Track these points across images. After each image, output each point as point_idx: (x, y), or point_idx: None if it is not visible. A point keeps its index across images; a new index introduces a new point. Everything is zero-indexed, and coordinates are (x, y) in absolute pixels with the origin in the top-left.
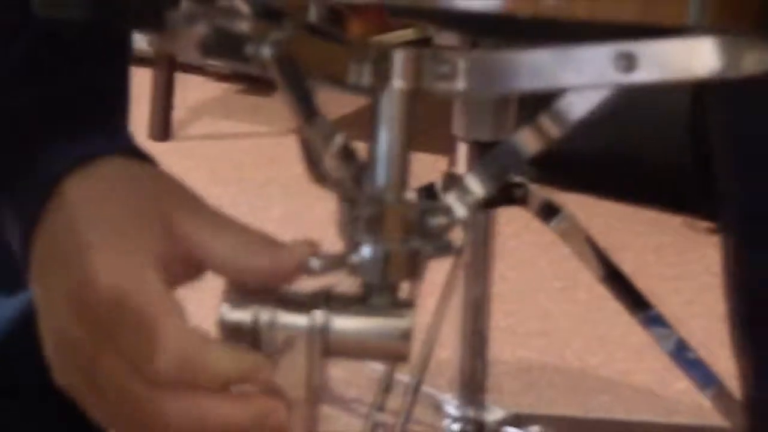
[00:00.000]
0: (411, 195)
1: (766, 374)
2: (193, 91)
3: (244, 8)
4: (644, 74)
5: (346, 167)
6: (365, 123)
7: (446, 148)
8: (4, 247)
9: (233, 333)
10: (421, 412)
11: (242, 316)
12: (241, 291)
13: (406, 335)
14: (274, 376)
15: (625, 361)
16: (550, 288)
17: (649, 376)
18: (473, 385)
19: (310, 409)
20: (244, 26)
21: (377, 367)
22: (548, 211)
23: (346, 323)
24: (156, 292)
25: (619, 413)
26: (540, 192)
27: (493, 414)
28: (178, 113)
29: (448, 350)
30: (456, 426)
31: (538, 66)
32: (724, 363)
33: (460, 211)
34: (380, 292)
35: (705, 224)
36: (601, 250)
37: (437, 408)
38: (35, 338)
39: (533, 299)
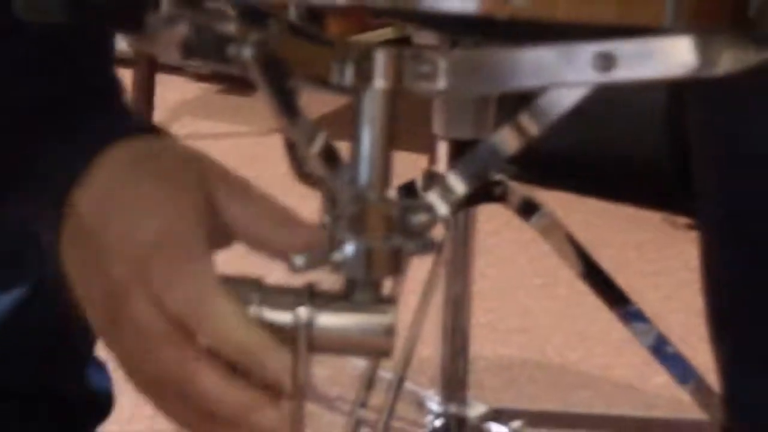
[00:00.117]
0: (393, 193)
1: (742, 368)
2: (173, 91)
3: (226, 9)
4: (623, 73)
5: (329, 166)
6: (346, 122)
7: (427, 146)
8: None
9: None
10: (404, 408)
11: None
12: (229, 282)
13: (389, 331)
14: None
15: (605, 357)
16: (530, 285)
17: (629, 370)
18: (455, 381)
19: (296, 404)
20: (225, 27)
21: (359, 365)
22: (528, 209)
23: (330, 320)
24: (194, 239)
25: (600, 408)
26: (519, 189)
27: (475, 410)
28: (158, 113)
29: (430, 347)
30: (438, 422)
31: (518, 65)
32: (703, 357)
33: (442, 208)
34: (363, 289)
35: (684, 220)
36: (581, 247)
37: (420, 404)
38: (28, 335)
39: (513, 296)
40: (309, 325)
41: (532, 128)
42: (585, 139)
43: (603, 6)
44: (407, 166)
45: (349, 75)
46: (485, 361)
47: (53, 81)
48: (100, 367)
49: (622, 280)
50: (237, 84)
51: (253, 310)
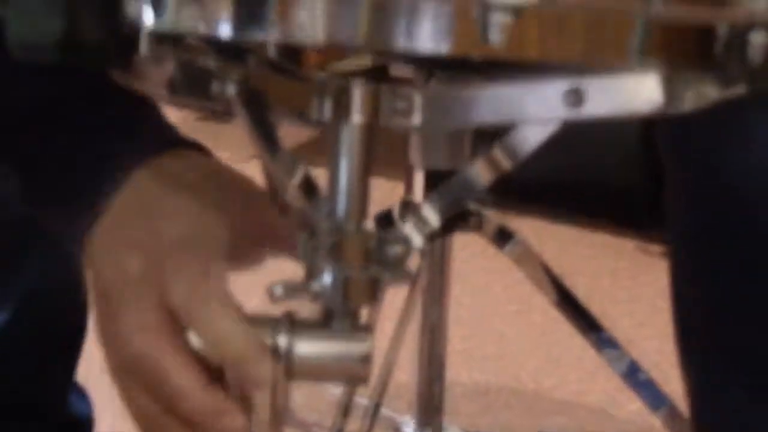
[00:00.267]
0: (370, 224)
1: (711, 395)
2: None
3: (207, 47)
4: (592, 109)
5: (308, 198)
6: (321, 150)
7: (402, 172)
8: None
9: (200, 357)
10: None
11: None
12: None
13: (365, 359)
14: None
15: (579, 383)
16: (506, 312)
17: (603, 397)
18: (431, 407)
19: (275, 430)
20: (209, 64)
21: (336, 391)
22: (502, 237)
23: (308, 347)
24: (211, 248)
25: None
26: (494, 218)
27: None
28: None
29: (406, 373)
30: None
31: (492, 102)
32: (676, 384)
33: (417, 240)
34: (341, 318)
35: (658, 248)
36: (555, 275)
37: (396, 430)
38: (9, 359)
39: (489, 323)
40: (288, 352)
41: (505, 162)
42: (559, 167)
43: (571, 45)
44: (384, 193)
45: (327, 110)
46: (461, 387)
47: (95, 100)
48: (81, 393)
49: (596, 307)
50: (216, 111)
51: None
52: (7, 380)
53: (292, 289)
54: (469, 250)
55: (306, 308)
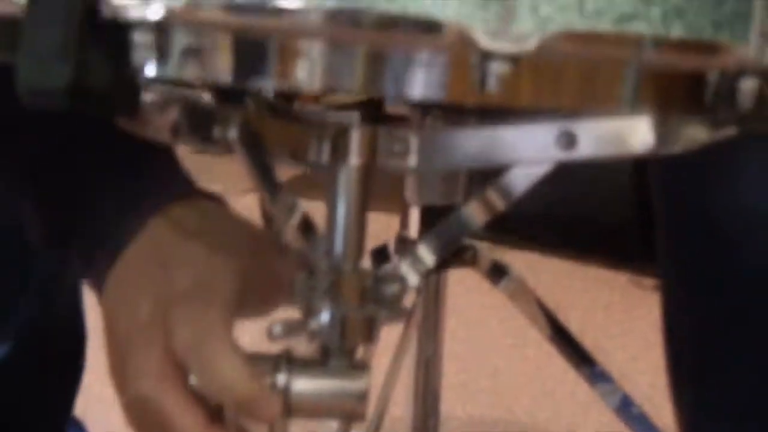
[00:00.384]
0: (367, 263)
1: (701, 421)
2: None
3: (207, 92)
4: (584, 150)
5: (306, 238)
6: (313, 185)
7: (397, 206)
8: None
9: (200, 396)
10: None
11: None
12: None
13: (362, 396)
14: None
15: (573, 416)
16: (501, 345)
17: (596, 430)
18: None
19: None
20: (210, 108)
21: (332, 426)
22: (497, 273)
23: (306, 385)
24: (222, 295)
25: None
26: (489, 254)
27: None
28: None
29: (402, 407)
30: None
31: (486, 144)
32: (669, 418)
33: (413, 278)
34: (338, 355)
35: (651, 282)
36: (549, 310)
37: None
38: (7, 393)
39: (484, 356)
40: (286, 389)
41: (499, 202)
42: (552, 201)
43: (564, 93)
44: (380, 226)
45: (325, 152)
46: (456, 421)
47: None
48: (79, 426)
49: (589, 340)
50: None
51: None
52: (6, 412)
53: (291, 328)
54: (464, 284)
55: (301, 345)
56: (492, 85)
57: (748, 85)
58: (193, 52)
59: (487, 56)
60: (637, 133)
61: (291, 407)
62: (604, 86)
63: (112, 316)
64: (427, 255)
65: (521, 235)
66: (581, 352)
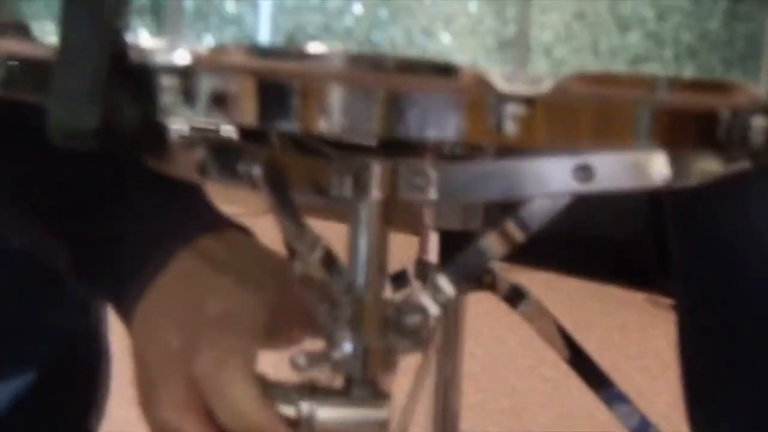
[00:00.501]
0: (388, 294)
1: None
2: None
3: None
4: (601, 184)
5: (328, 271)
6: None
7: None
8: None
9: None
10: None
11: None
12: None
13: (383, 425)
14: None
15: None
16: (519, 366)
17: None
18: None
19: None
20: (236, 146)
21: None
22: (515, 296)
23: (330, 414)
24: (248, 327)
25: None
26: (507, 277)
27: None
28: None
29: (420, 427)
30: None
31: (504, 177)
32: None
33: (434, 309)
34: (360, 385)
35: (668, 301)
36: (567, 332)
37: None
38: (28, 425)
39: (503, 377)
40: (310, 418)
41: (517, 235)
42: (569, 221)
43: (579, 132)
44: (399, 247)
45: (347, 187)
46: None
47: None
48: None
49: (607, 362)
50: None
51: None
52: None
53: (314, 359)
54: (484, 304)
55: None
56: (508, 126)
57: (759, 123)
58: (219, 97)
59: (503, 98)
60: (654, 166)
61: None
62: (618, 125)
63: (142, 347)
64: (446, 285)
65: (538, 255)
66: (599, 373)
